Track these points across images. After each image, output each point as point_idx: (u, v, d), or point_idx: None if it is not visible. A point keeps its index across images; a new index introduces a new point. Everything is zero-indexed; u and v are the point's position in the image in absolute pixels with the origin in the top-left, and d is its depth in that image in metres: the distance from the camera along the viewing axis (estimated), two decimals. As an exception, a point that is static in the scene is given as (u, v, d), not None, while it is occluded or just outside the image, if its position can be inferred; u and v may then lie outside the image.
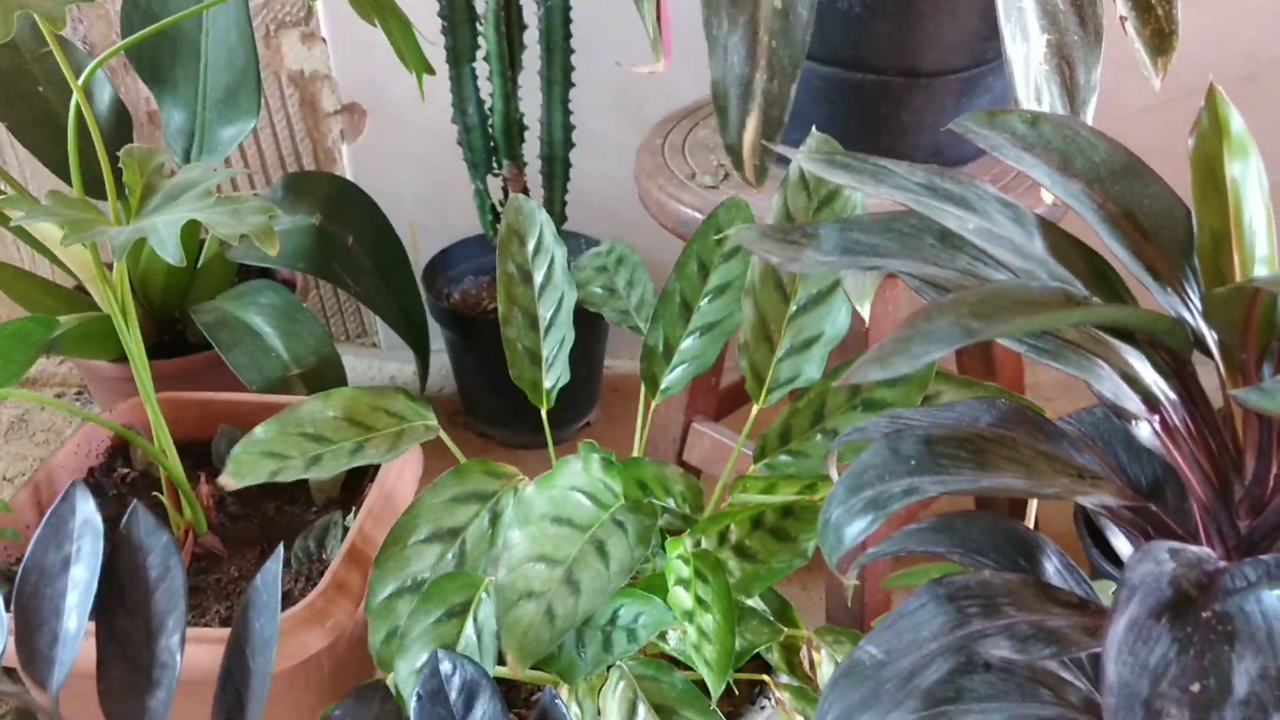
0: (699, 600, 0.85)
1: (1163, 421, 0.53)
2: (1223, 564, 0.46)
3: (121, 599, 0.63)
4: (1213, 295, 0.43)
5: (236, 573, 1.15)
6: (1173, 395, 0.51)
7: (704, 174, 1.18)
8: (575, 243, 1.68)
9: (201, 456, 1.28)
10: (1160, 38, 0.79)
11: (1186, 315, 0.49)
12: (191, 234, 1.48)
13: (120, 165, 1.03)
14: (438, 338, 1.77)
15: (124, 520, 0.68)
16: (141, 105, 1.77)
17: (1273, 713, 0.39)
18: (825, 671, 0.91)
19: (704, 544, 0.93)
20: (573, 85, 1.51)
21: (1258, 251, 0.48)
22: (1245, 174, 0.48)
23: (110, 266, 1.11)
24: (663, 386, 0.99)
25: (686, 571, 0.87)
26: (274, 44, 1.69)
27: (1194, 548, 0.47)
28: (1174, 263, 0.49)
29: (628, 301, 1.11)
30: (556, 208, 1.59)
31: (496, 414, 1.73)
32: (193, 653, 0.93)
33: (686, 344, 0.99)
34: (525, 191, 1.59)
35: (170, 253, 0.94)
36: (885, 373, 0.42)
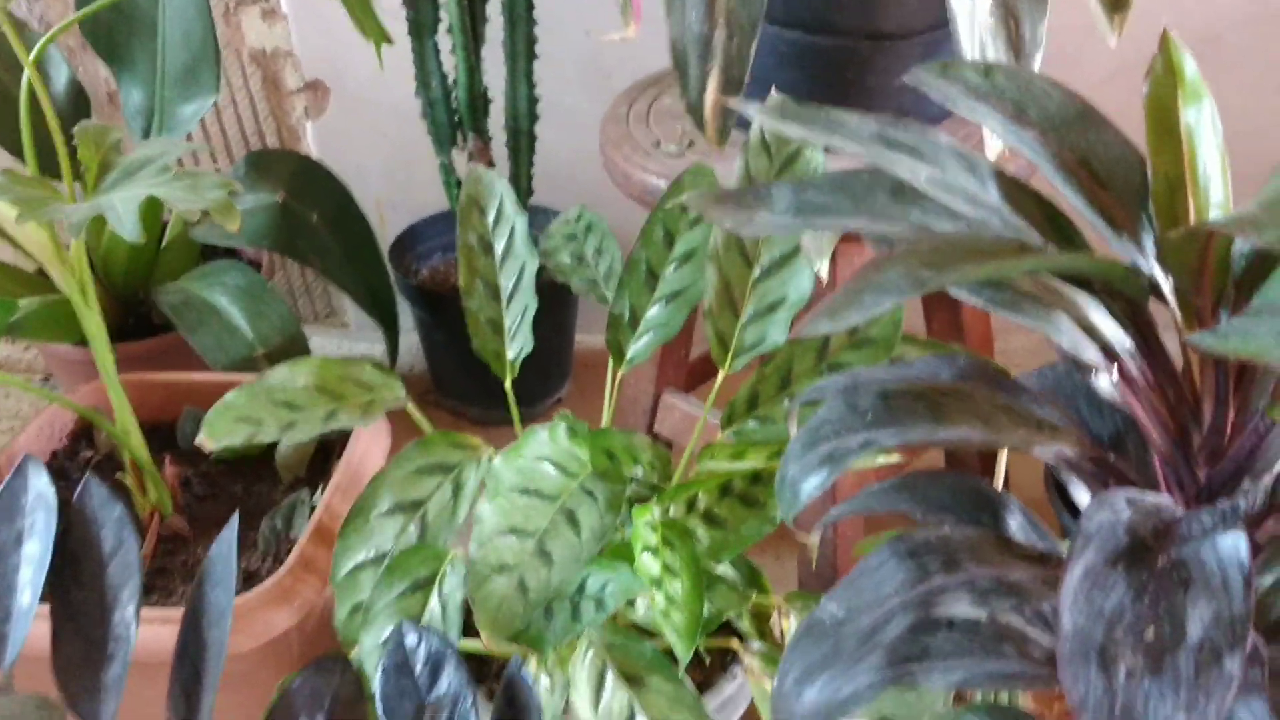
0: (667, 567, 0.85)
1: (1121, 371, 0.52)
2: (1180, 512, 0.46)
3: (75, 573, 0.62)
4: (1167, 239, 0.43)
5: (203, 553, 1.14)
6: (1130, 344, 0.50)
7: (669, 142, 1.18)
8: (543, 216, 1.67)
9: (167, 438, 1.27)
10: (1117, -5, 0.78)
11: (1142, 262, 0.48)
12: (154, 215, 1.47)
13: (76, 143, 1.02)
14: (407, 316, 1.76)
15: (76, 494, 0.67)
16: (101, 85, 1.74)
17: (1225, 657, 0.38)
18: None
19: (673, 512, 0.93)
20: (536, 57, 1.50)
21: (1212, 197, 0.48)
22: (1200, 120, 0.48)
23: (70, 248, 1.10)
24: (629, 356, 0.98)
25: (654, 539, 0.86)
26: (234, 22, 1.67)
27: (1152, 496, 0.47)
28: (1130, 210, 0.49)
29: (596, 270, 1.10)
30: (522, 181, 1.58)
31: (467, 391, 1.72)
32: (156, 633, 0.92)
33: (653, 312, 0.98)
34: (491, 165, 1.58)
35: (128, 229, 0.92)
36: (835, 325, 0.42)
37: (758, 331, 0.91)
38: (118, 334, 1.46)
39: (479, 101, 1.53)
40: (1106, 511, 0.44)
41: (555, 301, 1.63)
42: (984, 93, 0.51)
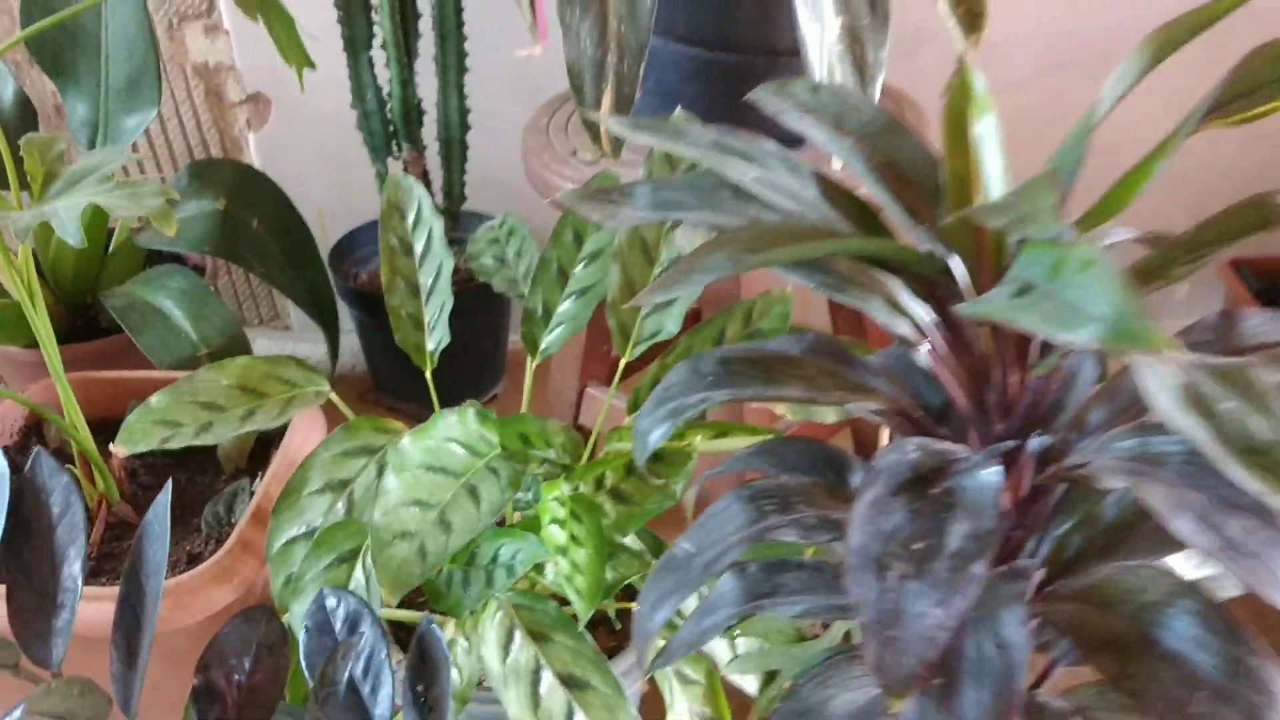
0: (573, 537, 0.93)
1: (931, 345, 0.61)
2: (961, 452, 0.55)
3: (27, 534, 0.70)
4: (941, 227, 0.52)
5: (149, 539, 1.21)
6: (932, 320, 0.59)
7: (584, 151, 1.26)
8: (475, 221, 1.75)
9: (114, 432, 1.32)
10: (971, 17, 0.87)
11: (937, 248, 0.57)
12: (100, 222, 1.53)
13: (22, 154, 1.09)
14: (347, 318, 1.84)
15: (28, 464, 0.74)
16: (48, 99, 1.81)
17: (974, 563, 0.47)
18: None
19: (583, 489, 1.01)
20: (467, 70, 1.58)
21: (994, 194, 0.57)
22: (987, 129, 0.57)
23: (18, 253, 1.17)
24: (542, 347, 1.06)
25: (562, 512, 0.95)
26: (177, 37, 1.74)
27: (942, 443, 0.56)
28: (927, 204, 0.58)
29: (516, 271, 1.19)
30: (455, 189, 1.66)
31: (405, 389, 1.80)
32: (103, 610, 0.99)
33: (564, 307, 1.06)
34: (425, 174, 1.66)
35: (71, 235, 1.00)
36: (666, 295, 0.50)
37: (656, 322, 0.99)
38: (67, 336, 1.53)
39: (413, 113, 1.61)
40: (897, 453, 0.53)
41: (488, 304, 1.71)
42: (810, 107, 0.60)
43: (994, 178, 0.57)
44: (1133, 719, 0.62)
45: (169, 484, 0.74)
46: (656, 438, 0.56)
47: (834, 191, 0.58)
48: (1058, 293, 0.43)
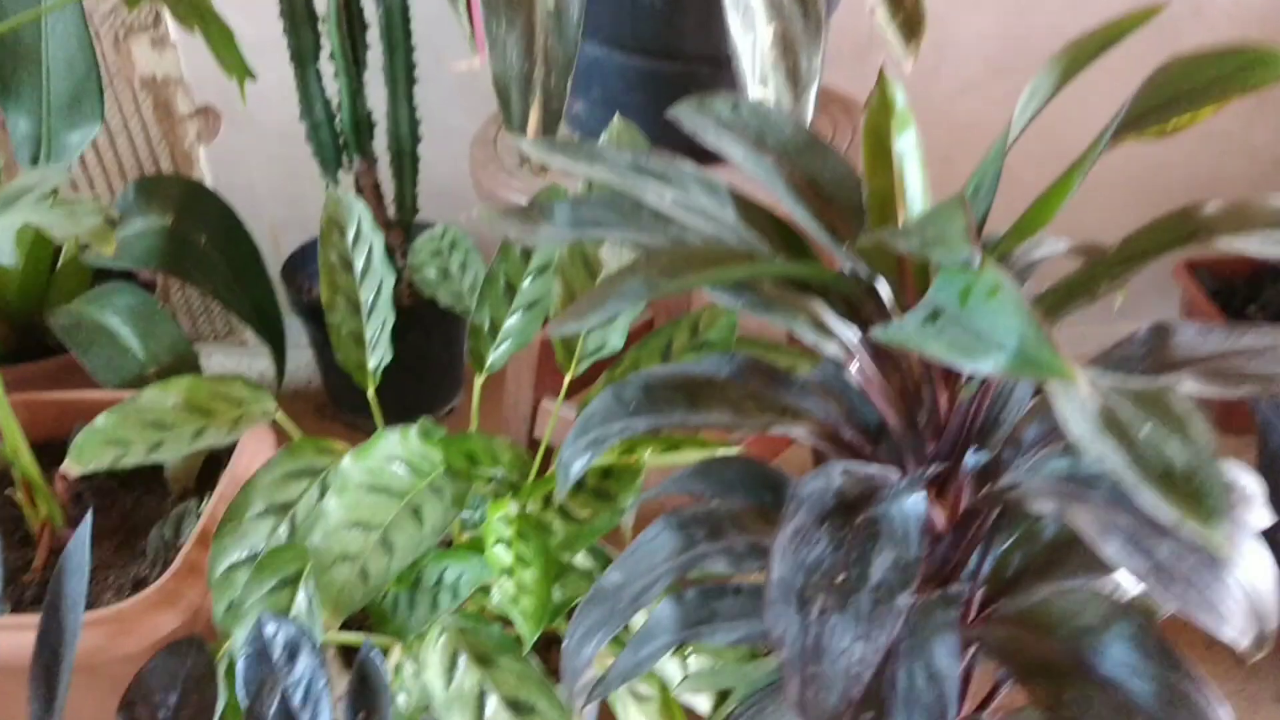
0: (519, 558, 0.92)
1: (859, 365, 0.60)
2: (891, 476, 0.54)
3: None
4: (858, 247, 0.51)
5: (96, 563, 1.19)
6: (856, 341, 0.58)
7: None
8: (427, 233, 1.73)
9: (59, 454, 1.30)
10: (910, 25, 0.87)
11: (861, 268, 0.56)
12: (46, 240, 1.51)
13: (-43, 174, 1.07)
14: (302, 333, 1.82)
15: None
16: (-7, 115, 1.78)
17: (898, 595, 0.46)
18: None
19: (529, 508, 1.00)
20: (416, 81, 1.56)
21: (916, 210, 0.56)
22: (908, 145, 0.56)
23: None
24: (489, 363, 1.05)
25: (508, 532, 0.93)
26: (124, 49, 1.72)
27: (870, 467, 0.55)
28: (850, 223, 0.57)
29: (461, 284, 1.17)
30: (407, 200, 1.64)
31: (360, 404, 1.77)
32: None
33: (511, 321, 1.05)
34: (376, 186, 1.64)
35: (5, 254, 0.98)
36: (580, 325, 0.49)
37: (599, 338, 0.98)
38: (14, 357, 1.50)
39: (363, 125, 1.59)
40: (821, 479, 0.52)
41: (442, 316, 1.69)
42: (730, 124, 0.59)
43: (915, 194, 0.56)
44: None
45: (89, 516, 0.72)
46: (579, 468, 0.55)
47: (752, 212, 0.57)
48: (965, 320, 0.42)
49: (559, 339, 0.99)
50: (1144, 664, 0.53)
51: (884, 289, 0.56)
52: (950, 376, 0.56)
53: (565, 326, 0.49)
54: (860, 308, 0.56)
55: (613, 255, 0.84)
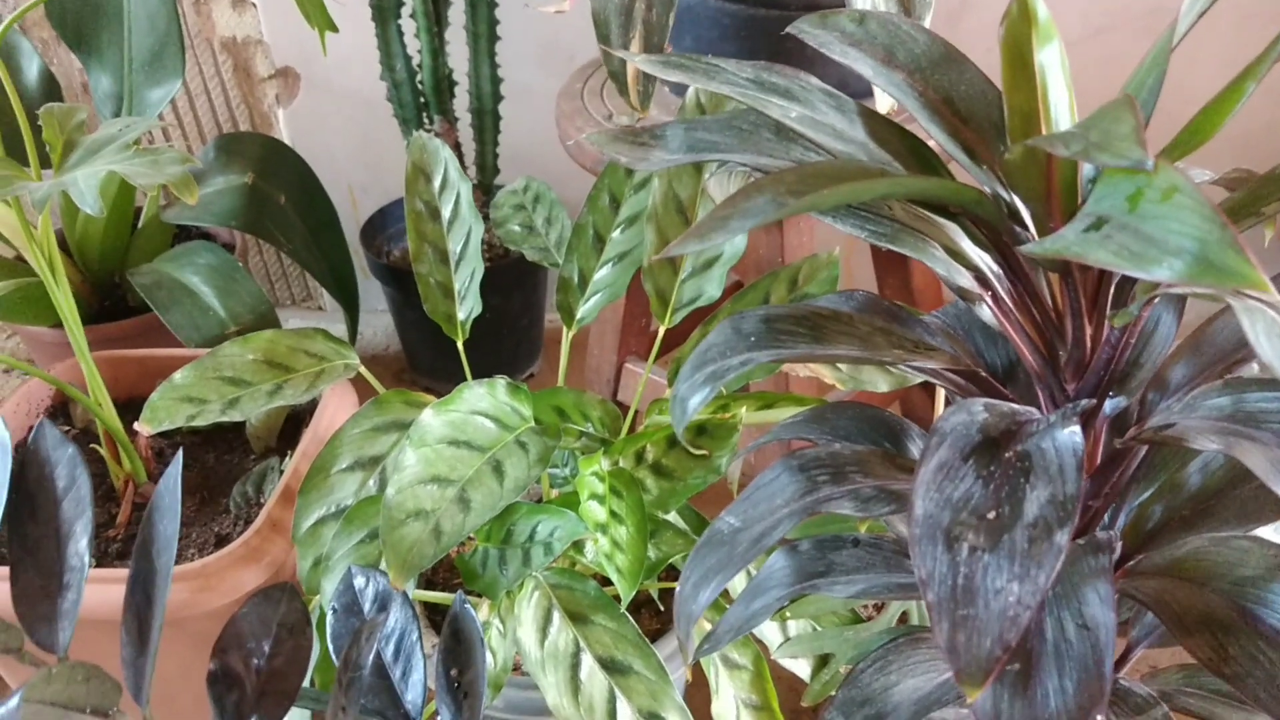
0: (613, 514, 0.89)
1: (994, 296, 0.56)
2: (1033, 414, 0.50)
3: (31, 509, 0.66)
4: (1007, 163, 0.46)
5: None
6: (996, 269, 0.54)
7: (620, 114, 1.21)
8: (510, 195, 1.70)
9: (141, 412, 1.31)
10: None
11: (1001, 190, 0.52)
12: (127, 198, 1.50)
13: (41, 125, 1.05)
14: (380, 297, 1.80)
15: (30, 435, 0.71)
16: (75, 77, 1.78)
17: (1056, 532, 0.42)
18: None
19: (622, 464, 0.97)
20: (498, 39, 1.53)
21: (1061, 128, 0.52)
22: (1051, 58, 0.51)
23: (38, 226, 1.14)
24: (579, 316, 1.02)
25: (601, 488, 0.90)
26: (205, 11, 1.71)
27: (1010, 403, 0.51)
28: (988, 142, 0.53)
29: (546, 239, 1.14)
30: (488, 161, 1.62)
31: (439, 367, 1.76)
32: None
33: (601, 274, 1.02)
34: (457, 146, 1.61)
35: (89, 204, 0.96)
36: (702, 244, 0.45)
37: (695, 287, 0.95)
38: (96, 316, 1.50)
39: (444, 84, 1.57)
40: (963, 414, 0.48)
41: (522, 279, 1.67)
42: (857, 39, 0.55)
43: (1061, 112, 0.52)
44: (1226, 707, 0.57)
45: (179, 454, 0.70)
46: (696, 403, 0.51)
47: (884, 130, 0.53)
48: (1136, 225, 0.37)
49: (653, 289, 0.96)
50: (1317, 617, 0.48)
51: (1024, 210, 0.51)
52: (1098, 309, 0.52)
53: (687, 245, 0.45)
54: (1000, 232, 0.52)
55: (720, 189, 0.81)
